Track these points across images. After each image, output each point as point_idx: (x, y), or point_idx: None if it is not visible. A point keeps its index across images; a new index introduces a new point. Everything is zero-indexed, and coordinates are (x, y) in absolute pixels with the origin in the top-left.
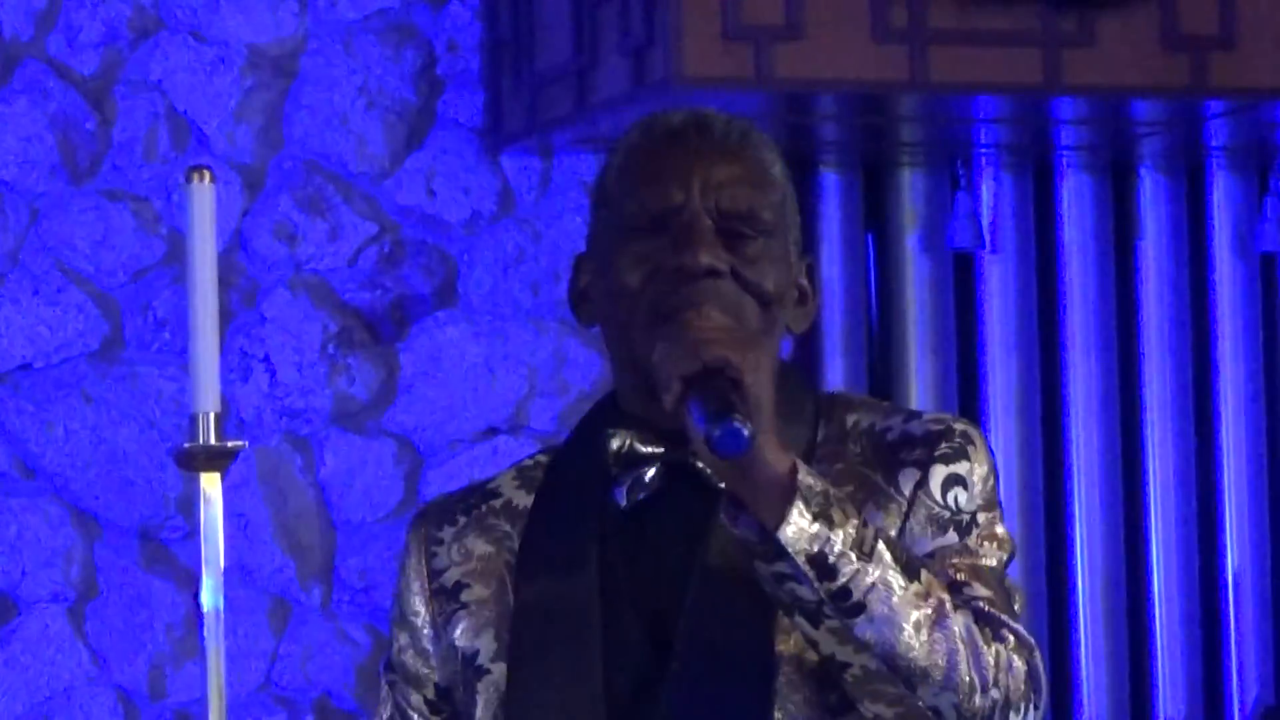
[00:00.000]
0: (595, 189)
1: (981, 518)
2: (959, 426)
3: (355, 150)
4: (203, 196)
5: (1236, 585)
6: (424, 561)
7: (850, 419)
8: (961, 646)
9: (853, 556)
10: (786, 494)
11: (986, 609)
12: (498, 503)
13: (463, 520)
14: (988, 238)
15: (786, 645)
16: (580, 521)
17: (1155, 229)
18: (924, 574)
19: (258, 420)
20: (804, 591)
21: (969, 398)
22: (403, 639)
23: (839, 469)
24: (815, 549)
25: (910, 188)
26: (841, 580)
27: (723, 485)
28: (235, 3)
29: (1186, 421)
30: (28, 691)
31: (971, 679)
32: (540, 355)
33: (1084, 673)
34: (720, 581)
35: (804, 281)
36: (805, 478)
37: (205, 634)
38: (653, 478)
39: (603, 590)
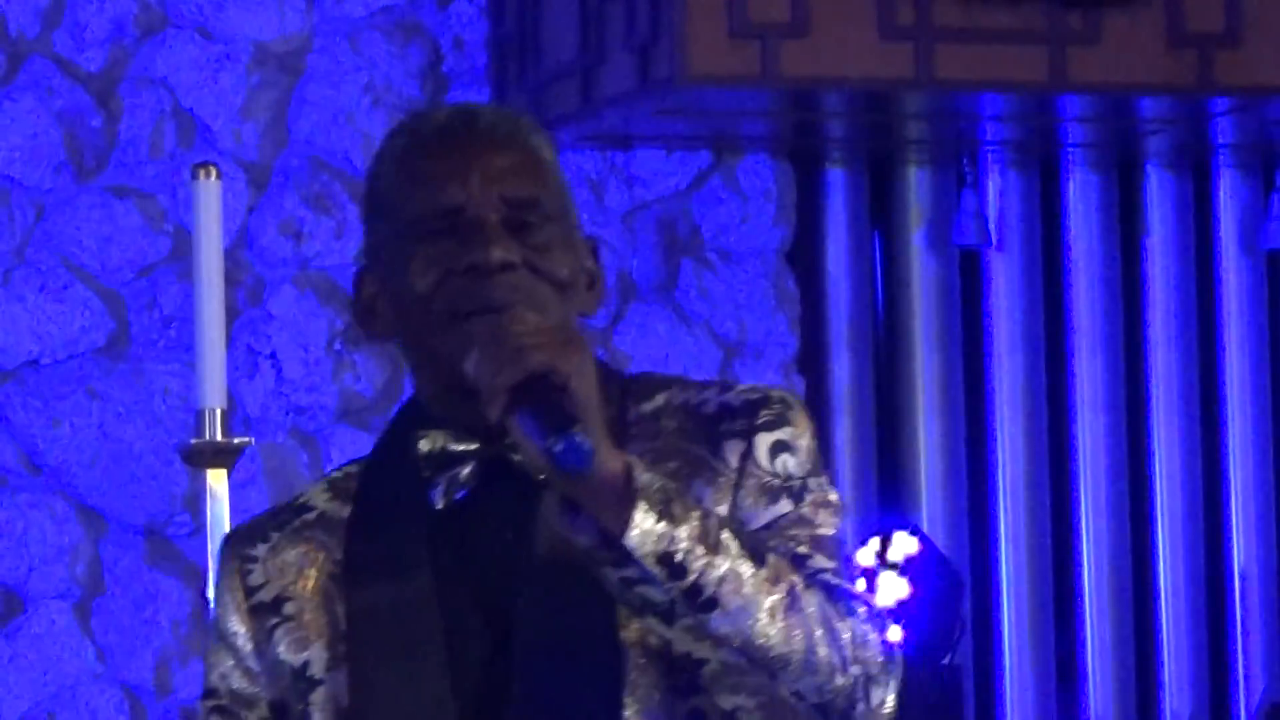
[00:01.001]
0: (367, 199)
1: (812, 483)
2: (776, 394)
3: (361, 147)
4: (209, 193)
5: (1243, 582)
6: (239, 581)
7: (661, 396)
8: (817, 628)
9: (699, 551)
10: (625, 496)
11: (834, 583)
12: (311, 516)
13: (276, 536)
14: (994, 235)
15: (630, 631)
16: (404, 526)
17: (1161, 226)
18: (771, 557)
19: (264, 417)
20: (654, 593)
21: (975, 394)
22: (226, 663)
23: (657, 447)
24: (662, 549)
25: (916, 185)
26: (692, 577)
27: (554, 487)
28: (241, 0)
29: (1193, 418)
30: (34, 687)
31: (830, 659)
32: None
33: (1090, 670)
34: (554, 572)
35: (590, 264)
36: (642, 475)
37: None
38: (467, 476)
39: (438, 592)
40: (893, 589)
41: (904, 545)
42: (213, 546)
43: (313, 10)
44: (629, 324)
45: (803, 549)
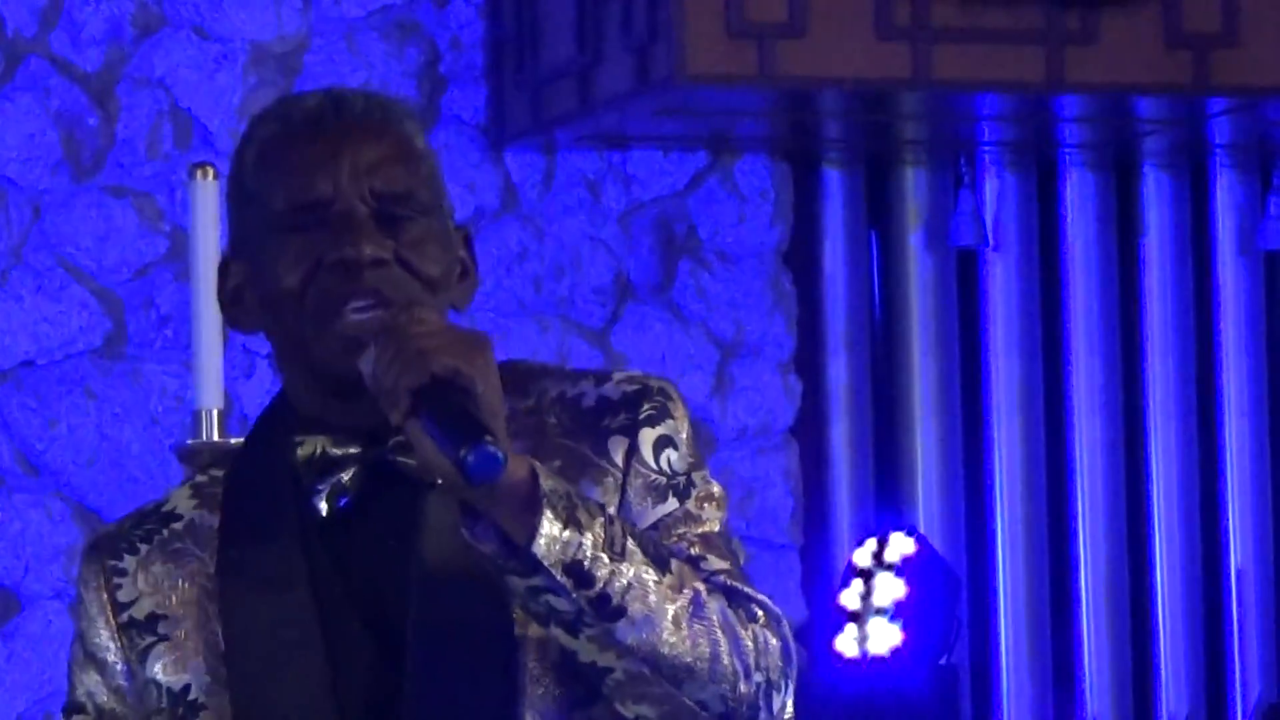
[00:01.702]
0: (232, 185)
1: (696, 477)
2: (654, 384)
3: None
4: (206, 193)
5: (1239, 582)
6: (107, 595)
7: (536, 389)
8: (721, 635)
9: (605, 559)
10: (530, 502)
11: (732, 585)
12: (179, 525)
13: (144, 548)
14: (991, 235)
15: (527, 640)
16: (279, 536)
17: (1158, 226)
18: (673, 563)
19: None
20: (561, 603)
21: (972, 394)
22: (91, 679)
23: (540, 444)
24: (569, 557)
25: (914, 185)
26: (599, 586)
27: (448, 493)
28: (239, 0)
29: (1190, 419)
30: (30, 688)
31: (734, 667)
32: (543, 352)
33: (1087, 670)
34: (445, 580)
35: (463, 254)
36: (546, 481)
37: None
38: (351, 480)
39: (319, 604)
40: (890, 590)
41: (901, 546)
42: None
43: (310, 10)
44: (626, 324)
45: (695, 549)
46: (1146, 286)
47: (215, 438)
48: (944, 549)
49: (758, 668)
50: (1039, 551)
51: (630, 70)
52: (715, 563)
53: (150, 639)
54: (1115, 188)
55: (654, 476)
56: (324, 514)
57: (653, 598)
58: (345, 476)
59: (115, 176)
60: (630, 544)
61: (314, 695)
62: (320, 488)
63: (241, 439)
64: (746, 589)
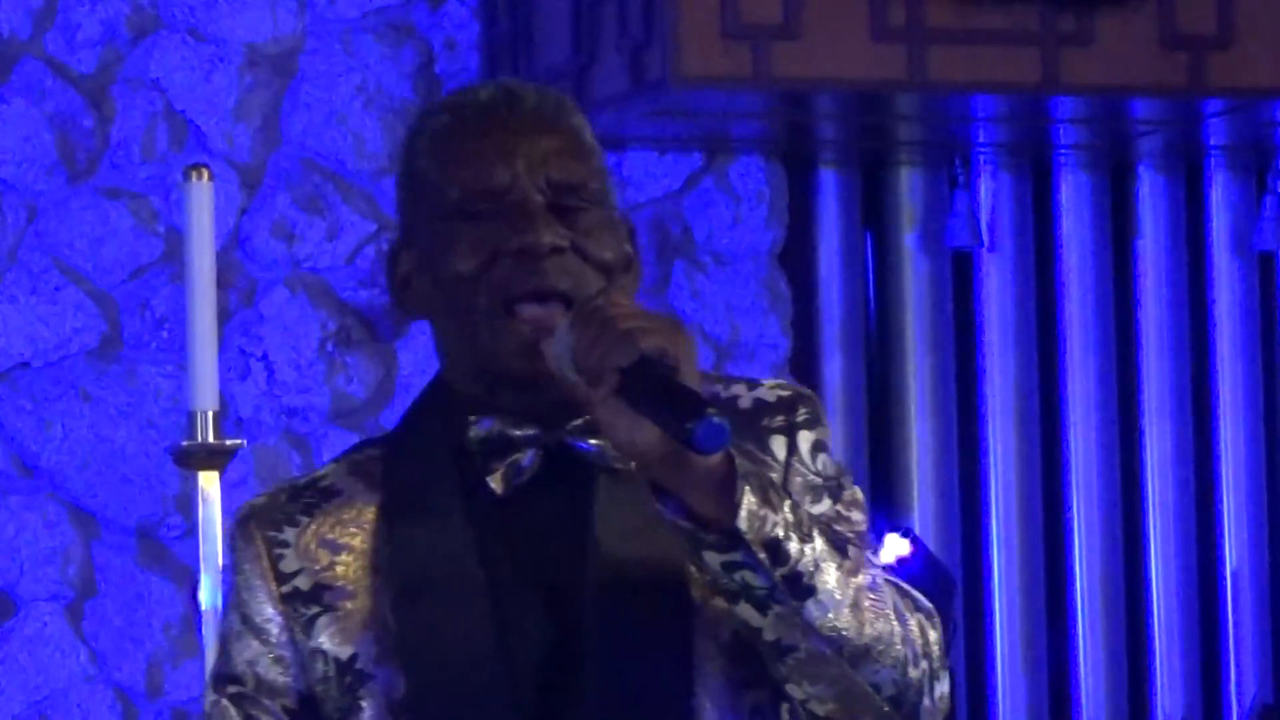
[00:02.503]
0: (403, 174)
1: (845, 481)
2: (805, 392)
3: (353, 149)
4: (201, 195)
5: (1235, 584)
6: (269, 565)
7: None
8: (894, 620)
9: (795, 538)
10: (728, 480)
11: (889, 578)
12: (339, 500)
13: (305, 520)
14: (986, 236)
15: (700, 620)
16: (449, 513)
17: (1154, 228)
18: (850, 549)
19: (256, 418)
20: (756, 578)
21: (967, 396)
22: (252, 648)
23: None
24: (766, 533)
25: (909, 186)
26: (791, 563)
27: (640, 473)
28: (233, 1)
29: (1185, 420)
30: (26, 690)
31: (906, 651)
32: None
33: (1083, 671)
34: (621, 560)
35: (628, 247)
36: (741, 461)
37: (203, 632)
38: (531, 462)
39: (491, 582)
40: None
41: (896, 547)
42: (205, 548)
43: (305, 11)
44: None
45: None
46: (1142, 287)
47: (210, 439)
48: (939, 550)
49: (924, 655)
50: (1034, 553)
51: (625, 72)
52: (871, 557)
53: (315, 609)
54: (1110, 189)
55: (811, 476)
56: (500, 494)
57: (836, 579)
58: (523, 458)
59: (110, 178)
60: (816, 528)
61: (489, 671)
62: (494, 468)
63: (240, 440)
64: (901, 584)
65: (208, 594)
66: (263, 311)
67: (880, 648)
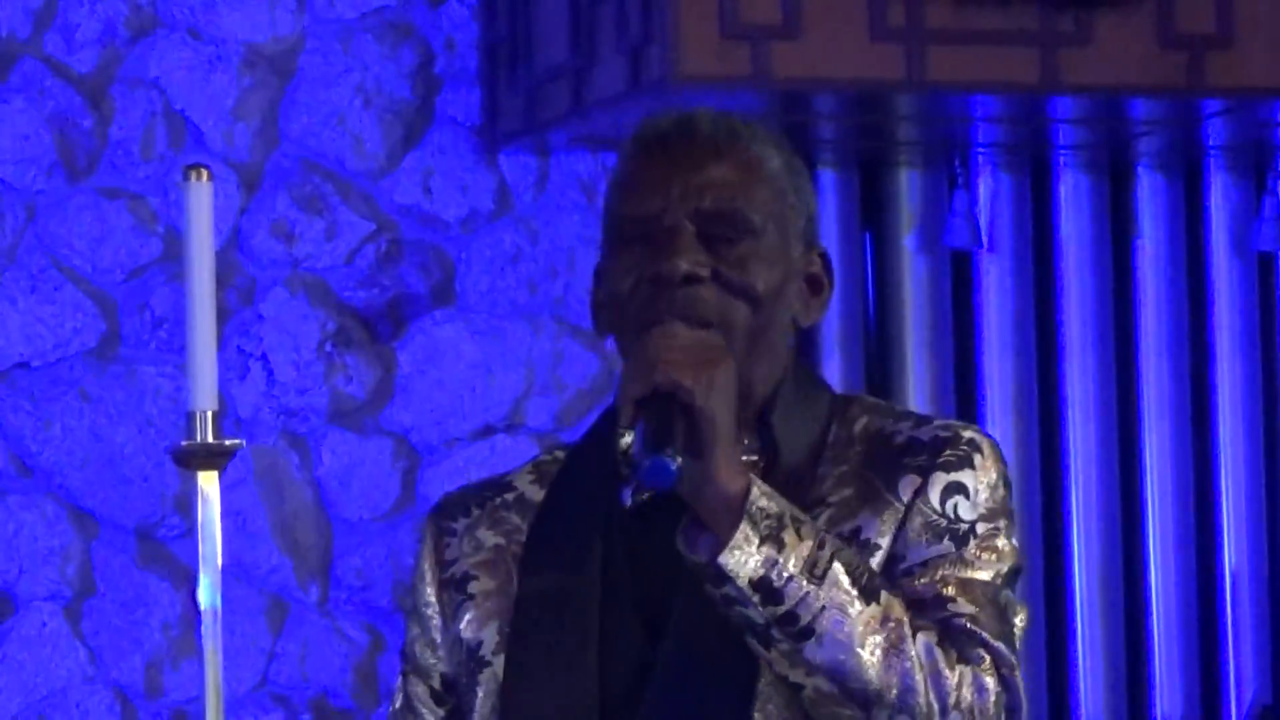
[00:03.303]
0: (605, 198)
1: (981, 528)
2: (967, 434)
3: (352, 149)
4: (200, 195)
5: (1234, 584)
6: (437, 552)
7: (861, 421)
8: (918, 670)
9: (803, 581)
10: (734, 517)
11: (966, 626)
12: (511, 496)
13: (476, 512)
14: (985, 237)
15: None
16: (586, 518)
17: (1153, 228)
18: (884, 595)
19: (255, 419)
20: (752, 615)
21: (966, 397)
22: (415, 629)
23: (843, 471)
24: (760, 573)
25: (908, 187)
26: (788, 604)
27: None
28: (232, 1)
29: (1184, 421)
30: (24, 690)
31: (930, 702)
32: (537, 354)
33: (1081, 672)
34: (706, 595)
35: (816, 272)
36: (759, 500)
37: (202, 632)
38: None
39: (604, 587)
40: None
41: None
42: (204, 548)
43: (304, 11)
44: None
45: (949, 590)
46: (1141, 288)
47: (209, 440)
48: None
49: (957, 707)
50: (1033, 553)
51: (624, 72)
52: (964, 606)
53: (461, 597)
54: (1109, 189)
55: (935, 518)
56: (628, 505)
57: (848, 624)
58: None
59: (109, 178)
60: (837, 569)
61: (580, 667)
62: (631, 479)
63: (239, 440)
64: (983, 634)
65: (207, 594)
66: (262, 312)
67: (892, 694)
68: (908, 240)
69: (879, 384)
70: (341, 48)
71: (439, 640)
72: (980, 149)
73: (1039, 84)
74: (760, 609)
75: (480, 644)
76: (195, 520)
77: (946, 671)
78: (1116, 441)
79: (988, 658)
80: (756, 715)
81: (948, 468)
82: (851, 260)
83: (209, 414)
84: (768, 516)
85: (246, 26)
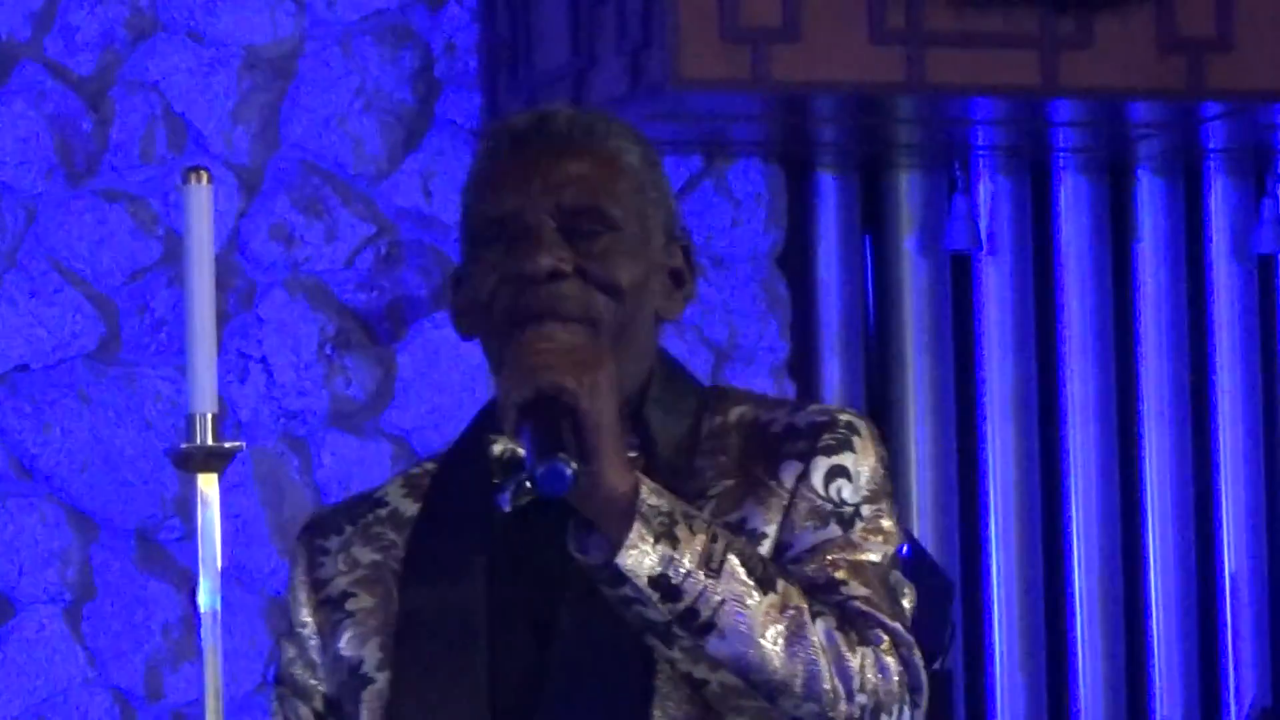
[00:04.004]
0: (462, 199)
1: (866, 510)
2: (844, 417)
3: (352, 151)
4: (200, 197)
5: (1233, 587)
6: (310, 572)
7: (735, 411)
8: (821, 656)
9: (700, 575)
10: (626, 517)
11: (862, 609)
12: (384, 511)
13: (349, 529)
14: (985, 239)
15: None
16: (466, 529)
17: (1153, 231)
18: (780, 583)
19: (255, 421)
20: (651, 614)
21: (966, 399)
22: (291, 651)
23: (721, 463)
24: (658, 571)
25: (907, 189)
26: (687, 600)
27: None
28: (232, 4)
29: (1184, 423)
30: (24, 693)
31: (834, 687)
32: None
33: (1081, 674)
34: (593, 594)
35: (678, 265)
36: (649, 498)
37: (202, 635)
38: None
39: (489, 596)
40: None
41: None
42: (204, 551)
43: (304, 14)
44: None
45: (839, 573)
46: (1141, 291)
47: (209, 442)
48: (937, 554)
49: (862, 689)
50: (1033, 556)
51: (624, 74)
52: (856, 588)
53: (340, 615)
54: (1109, 192)
55: (819, 502)
56: (506, 511)
57: (748, 615)
58: (528, 478)
59: (109, 180)
60: (732, 562)
61: (470, 681)
62: (506, 486)
63: (239, 442)
64: (879, 615)
65: (206, 597)
66: (262, 314)
67: (798, 682)
68: (908, 243)
69: (879, 387)
70: (341, 50)
71: (318, 661)
72: (980, 152)
73: (1039, 87)
74: (659, 607)
75: (361, 661)
76: (195, 523)
77: (849, 655)
78: (1116, 444)
79: (886, 638)
80: (656, 713)
81: (829, 451)
82: (851, 263)
83: (209, 416)
84: (659, 514)
85: (246, 29)
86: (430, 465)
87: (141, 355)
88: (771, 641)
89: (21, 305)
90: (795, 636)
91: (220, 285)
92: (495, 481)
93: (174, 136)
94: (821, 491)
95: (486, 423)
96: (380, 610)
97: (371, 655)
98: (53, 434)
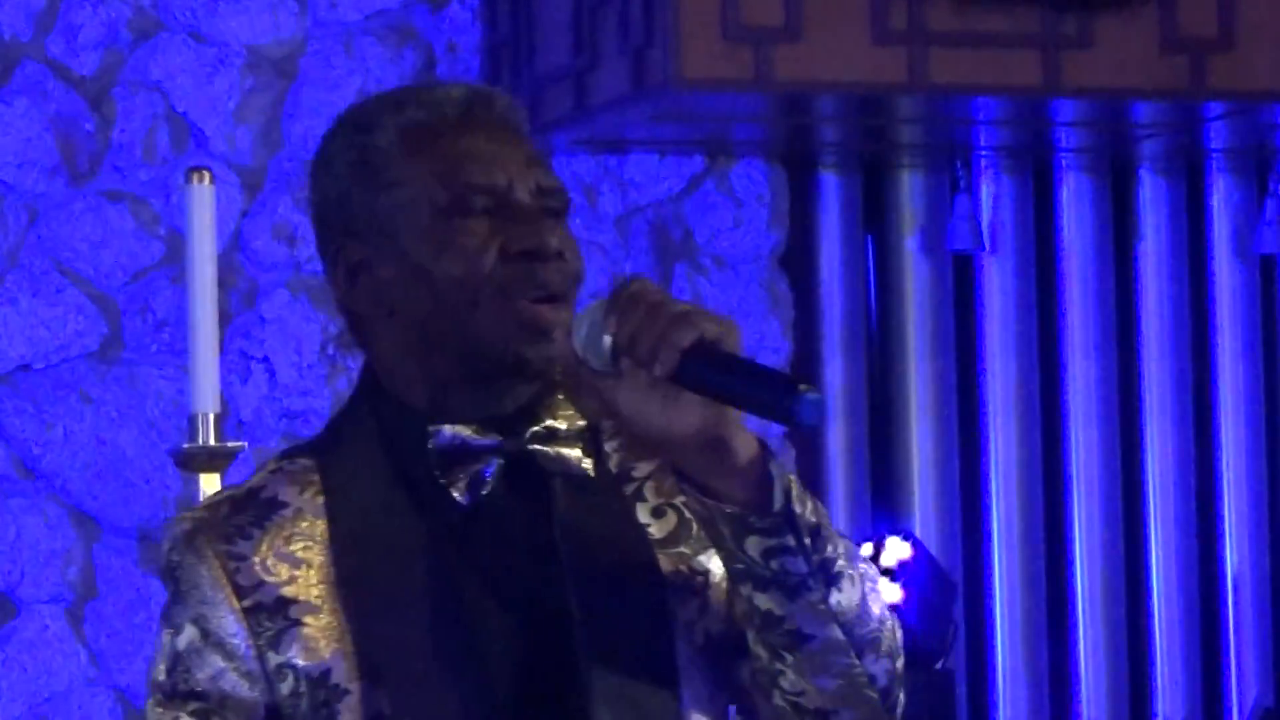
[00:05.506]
0: (357, 169)
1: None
2: None
3: None
4: (202, 197)
5: (1235, 587)
6: (226, 580)
7: None
8: (889, 615)
9: (827, 523)
10: (762, 468)
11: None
12: (288, 511)
13: (257, 533)
14: (987, 239)
15: (676, 624)
16: (410, 530)
17: (1155, 231)
18: (842, 543)
19: (257, 421)
20: (796, 564)
21: (968, 399)
22: (218, 662)
23: (625, 442)
24: (809, 520)
25: (910, 189)
26: (825, 550)
27: (670, 462)
28: (235, 4)
29: (1186, 423)
30: (26, 693)
31: (895, 644)
32: None
33: (1083, 674)
34: (595, 569)
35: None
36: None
37: None
38: (492, 472)
39: (456, 595)
40: (886, 594)
41: (897, 550)
42: None
43: (306, 14)
44: None
45: None
46: (1143, 291)
47: (211, 442)
48: (940, 554)
49: (900, 654)
50: (1035, 556)
51: (626, 74)
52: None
53: (282, 624)
54: (1111, 192)
55: None
56: (465, 504)
57: (862, 567)
58: (489, 467)
59: (111, 180)
60: (823, 512)
61: (471, 684)
62: (458, 477)
63: (241, 442)
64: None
65: None
66: (264, 314)
67: (880, 637)
68: (910, 243)
69: (881, 386)
70: (344, 50)
71: (256, 670)
72: (982, 152)
73: (1041, 87)
74: (810, 555)
75: (327, 671)
76: None
77: (889, 617)
78: (1118, 444)
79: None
80: (686, 693)
81: None
82: (853, 263)
83: (211, 416)
84: (782, 469)
85: (249, 29)
86: (306, 460)
87: (144, 355)
88: (864, 597)
89: (24, 305)
90: (875, 593)
91: (222, 285)
92: (438, 473)
93: (176, 136)
94: None
95: (388, 416)
96: (333, 618)
97: (341, 665)
98: (55, 434)
